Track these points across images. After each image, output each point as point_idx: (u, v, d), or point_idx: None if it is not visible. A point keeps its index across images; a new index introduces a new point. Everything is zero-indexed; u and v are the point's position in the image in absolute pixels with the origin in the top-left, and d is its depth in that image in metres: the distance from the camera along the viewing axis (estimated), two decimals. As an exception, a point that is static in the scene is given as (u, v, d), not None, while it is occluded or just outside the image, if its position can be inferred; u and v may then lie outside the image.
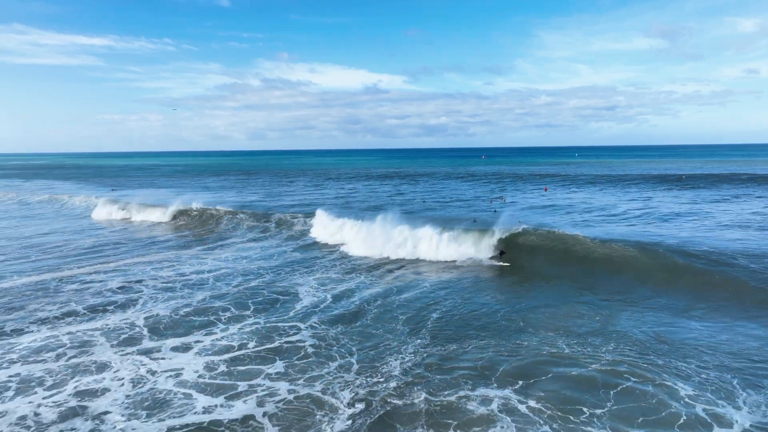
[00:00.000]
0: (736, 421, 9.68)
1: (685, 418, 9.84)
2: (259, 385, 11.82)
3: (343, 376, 12.18)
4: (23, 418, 10.52)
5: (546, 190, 53.03)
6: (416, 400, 10.87)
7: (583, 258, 21.38)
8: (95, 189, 64.09)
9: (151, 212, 35.42)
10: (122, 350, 13.95)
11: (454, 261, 21.95)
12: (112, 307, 17.57)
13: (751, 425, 9.57)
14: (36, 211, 45.77)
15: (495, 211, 34.50)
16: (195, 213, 36.06)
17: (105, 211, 37.36)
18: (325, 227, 27.44)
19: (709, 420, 9.77)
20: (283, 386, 11.77)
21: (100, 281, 20.89)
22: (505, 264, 20.84)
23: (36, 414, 10.66)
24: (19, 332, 15.39)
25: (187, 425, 10.17)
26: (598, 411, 10.16)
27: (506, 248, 22.17)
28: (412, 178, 75.73)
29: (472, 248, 22.24)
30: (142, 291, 19.47)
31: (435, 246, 22.59)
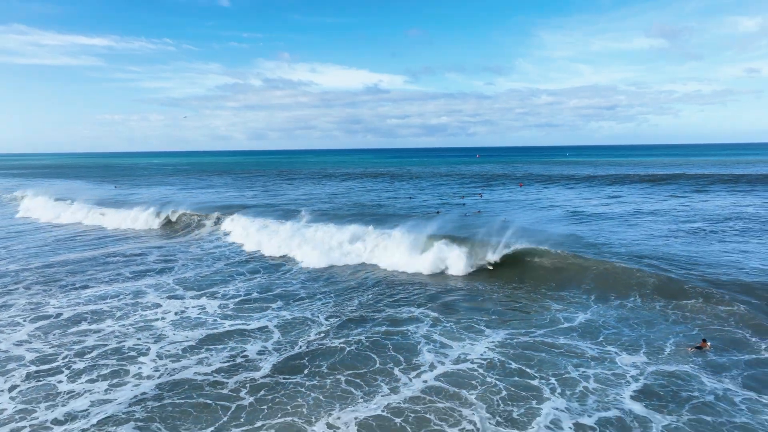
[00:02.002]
0: (578, 316, 15.26)
1: (548, 320, 15.29)
2: (268, 313, 17.02)
3: (324, 308, 17.44)
4: (112, 332, 15.58)
5: (521, 185, 58.26)
6: (367, 314, 16.54)
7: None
8: (108, 187, 68.84)
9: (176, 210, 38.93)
10: (162, 296, 19.12)
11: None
12: (151, 272, 22.74)
13: (588, 319, 15.09)
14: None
15: (464, 204, 40.27)
16: (212, 210, 40.37)
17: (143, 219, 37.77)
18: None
19: (563, 319, 15.26)
20: (284, 313, 16.99)
21: (140, 254, 26.13)
22: (490, 267, 22.21)
23: (119, 331, 15.70)
24: (84, 287, 20.55)
25: (220, 332, 15.30)
26: (485, 318, 15.80)
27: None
28: (407, 177, 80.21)
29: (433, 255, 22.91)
30: (177, 261, 24.80)
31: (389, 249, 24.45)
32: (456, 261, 21.39)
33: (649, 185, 55.56)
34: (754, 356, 12.48)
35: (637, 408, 10.16)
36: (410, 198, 48.29)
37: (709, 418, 9.74)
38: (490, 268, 21.43)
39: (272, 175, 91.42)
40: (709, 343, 13.12)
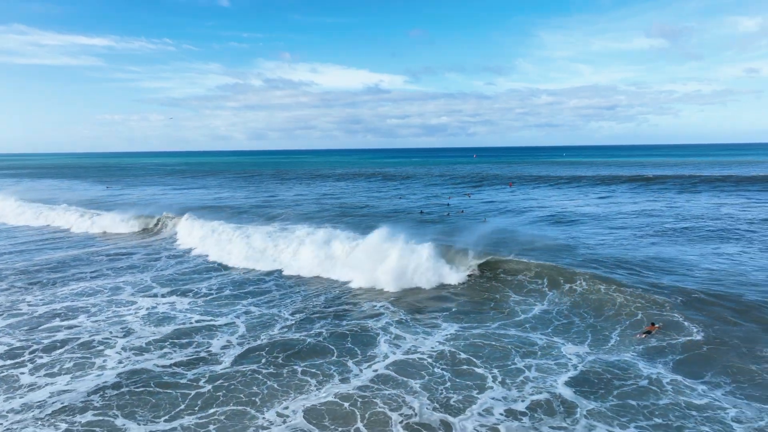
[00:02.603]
0: (535, 309, 15.73)
1: (504, 313, 15.81)
2: (238, 308, 17.47)
3: (291, 305, 17.93)
4: (86, 327, 16.01)
5: (511, 185, 58.67)
6: (331, 310, 17.15)
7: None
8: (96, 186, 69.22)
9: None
10: (137, 293, 19.58)
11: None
12: (131, 270, 23.18)
13: (545, 310, 15.48)
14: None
15: (448, 204, 40.79)
16: (202, 210, 40.67)
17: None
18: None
19: (520, 311, 15.82)
20: (254, 309, 17.45)
21: (122, 254, 26.58)
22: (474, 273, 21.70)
23: (90, 326, 16.13)
24: (63, 284, 20.99)
25: (187, 327, 15.74)
26: (444, 313, 16.30)
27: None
28: (401, 177, 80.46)
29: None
30: (159, 259, 25.26)
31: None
32: (422, 276, 20.20)
33: (637, 186, 55.80)
34: (688, 338, 13.13)
35: (568, 393, 10.60)
36: (400, 198, 48.63)
37: (634, 402, 10.18)
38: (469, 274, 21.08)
39: (268, 176, 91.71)
40: (657, 325, 13.61)
